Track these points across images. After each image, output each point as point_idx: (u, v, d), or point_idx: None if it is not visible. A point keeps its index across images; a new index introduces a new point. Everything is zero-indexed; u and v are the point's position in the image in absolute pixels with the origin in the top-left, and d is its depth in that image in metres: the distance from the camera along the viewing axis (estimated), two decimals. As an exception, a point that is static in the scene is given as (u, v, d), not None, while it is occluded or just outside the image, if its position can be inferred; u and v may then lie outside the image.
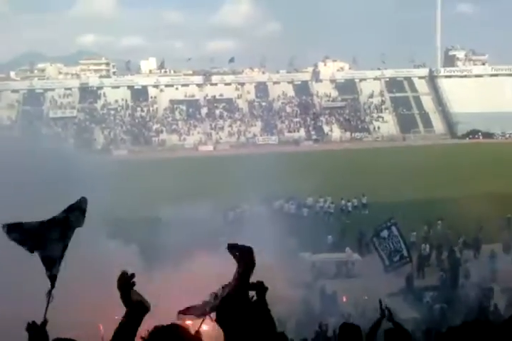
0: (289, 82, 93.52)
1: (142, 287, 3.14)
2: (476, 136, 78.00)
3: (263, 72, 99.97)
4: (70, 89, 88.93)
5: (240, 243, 3.20)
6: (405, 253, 20.71)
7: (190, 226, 21.08)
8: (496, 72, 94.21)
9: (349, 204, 34.81)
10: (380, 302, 7.19)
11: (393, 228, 21.02)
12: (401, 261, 20.89)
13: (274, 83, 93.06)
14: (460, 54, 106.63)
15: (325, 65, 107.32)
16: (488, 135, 77.56)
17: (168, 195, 38.27)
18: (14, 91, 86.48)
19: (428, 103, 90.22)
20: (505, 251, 25.68)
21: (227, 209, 33.50)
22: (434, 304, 19.40)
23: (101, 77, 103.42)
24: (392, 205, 33.53)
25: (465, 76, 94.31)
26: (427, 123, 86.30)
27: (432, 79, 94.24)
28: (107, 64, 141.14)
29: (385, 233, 21.04)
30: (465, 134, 79.62)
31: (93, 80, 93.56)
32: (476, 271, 22.80)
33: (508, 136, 77.95)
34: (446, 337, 2.12)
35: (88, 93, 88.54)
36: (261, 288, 3.97)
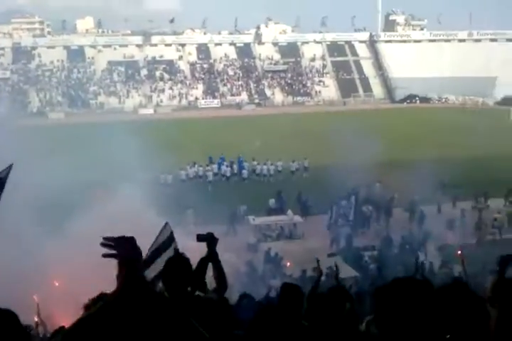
0: (230, 44, 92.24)
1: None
2: (414, 101, 79.78)
3: (204, 33, 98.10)
4: (2, 49, 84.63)
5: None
6: (351, 217, 21.56)
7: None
8: (434, 38, 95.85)
9: (293, 165, 35.40)
10: (318, 261, 7.36)
11: (353, 197, 22.00)
12: (346, 223, 21.78)
13: (216, 45, 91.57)
14: (400, 19, 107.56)
15: (267, 26, 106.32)
16: (425, 99, 79.48)
17: (105, 161, 37.47)
18: None
19: (368, 67, 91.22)
20: (439, 212, 26.83)
21: (167, 172, 33.56)
22: (371, 263, 20.12)
23: (35, 36, 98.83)
24: (331, 169, 34.22)
25: (404, 41, 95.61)
26: (367, 87, 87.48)
27: (372, 43, 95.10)
28: (41, 23, 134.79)
29: (344, 202, 22.13)
30: (403, 99, 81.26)
31: (26, 40, 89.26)
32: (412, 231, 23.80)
33: (443, 100, 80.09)
34: (378, 295, 2.15)
35: (21, 53, 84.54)
36: (212, 239, 4.01)
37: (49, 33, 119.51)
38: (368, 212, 25.35)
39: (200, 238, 4.07)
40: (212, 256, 3.98)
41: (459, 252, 11.41)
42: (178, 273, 3.59)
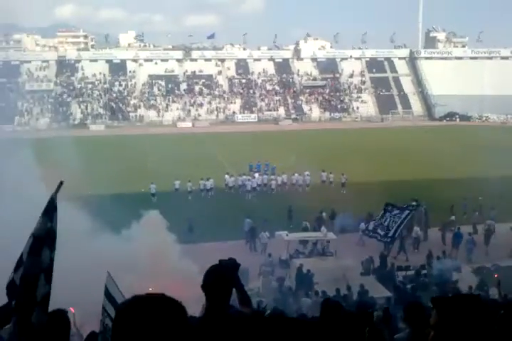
0: (269, 60, 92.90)
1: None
2: (454, 119, 78.67)
3: (244, 49, 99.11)
4: (47, 61, 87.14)
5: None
6: (391, 234, 21.02)
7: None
8: (475, 55, 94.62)
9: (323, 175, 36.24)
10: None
11: (406, 211, 21.40)
12: (382, 237, 21.24)
13: (255, 60, 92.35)
14: (441, 36, 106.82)
15: (306, 42, 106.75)
16: (465, 117, 78.27)
17: (146, 172, 38.41)
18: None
19: (407, 84, 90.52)
20: (475, 232, 26.18)
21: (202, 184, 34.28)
22: (406, 283, 19.77)
23: (79, 50, 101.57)
24: (366, 185, 34.04)
25: (445, 58, 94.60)
26: (406, 104, 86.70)
27: (412, 60, 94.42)
28: (85, 37, 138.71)
29: (395, 211, 21.41)
30: (442, 116, 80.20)
31: (71, 53, 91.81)
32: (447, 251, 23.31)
33: (484, 119, 78.74)
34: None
35: (65, 66, 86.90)
36: (234, 264, 4.01)
37: (92, 46, 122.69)
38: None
39: (222, 263, 4.08)
40: (235, 281, 3.96)
41: (496, 275, 11.18)
42: (219, 286, 3.62)
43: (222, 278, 3.64)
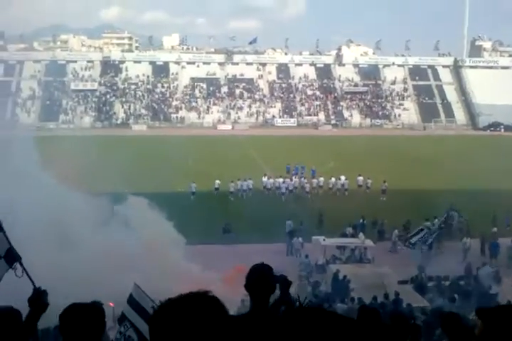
0: (311, 65, 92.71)
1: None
2: (498, 129, 77.03)
3: (285, 53, 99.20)
4: (92, 61, 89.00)
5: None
6: (429, 241, 21.02)
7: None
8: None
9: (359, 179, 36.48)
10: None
11: (440, 220, 21.51)
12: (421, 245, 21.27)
13: (296, 65, 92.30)
14: (487, 44, 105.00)
15: (348, 48, 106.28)
16: (510, 128, 76.47)
17: (186, 172, 38.86)
18: (36, 61, 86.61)
19: (451, 92, 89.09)
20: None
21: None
22: (444, 293, 19.43)
23: (123, 51, 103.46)
24: (409, 193, 33.63)
25: (491, 67, 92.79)
26: (449, 113, 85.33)
27: (456, 68, 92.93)
28: (130, 38, 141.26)
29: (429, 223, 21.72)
30: (486, 126, 78.64)
31: (115, 54, 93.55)
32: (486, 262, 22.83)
33: (530, 129, 76.81)
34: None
35: (110, 67, 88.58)
36: (285, 281, 3.98)
37: (137, 48, 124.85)
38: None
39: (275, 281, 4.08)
40: (285, 300, 3.93)
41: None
42: (261, 282, 3.63)
43: (266, 277, 3.64)
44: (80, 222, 18.37)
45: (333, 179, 36.77)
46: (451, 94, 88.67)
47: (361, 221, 27.61)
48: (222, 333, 1.68)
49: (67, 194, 20.08)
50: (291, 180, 36.73)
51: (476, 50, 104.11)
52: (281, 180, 36.36)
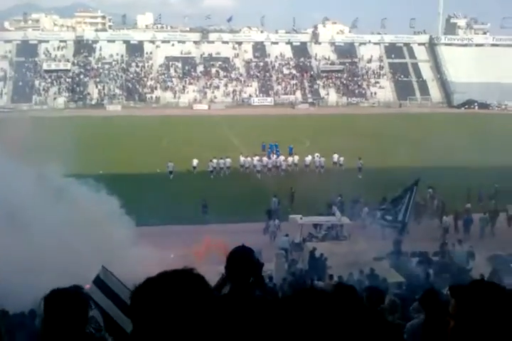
0: (287, 43, 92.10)
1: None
2: (472, 106, 77.74)
3: (261, 32, 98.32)
4: (64, 41, 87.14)
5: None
6: (400, 217, 20.95)
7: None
8: (496, 42, 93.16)
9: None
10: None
11: (407, 192, 21.31)
12: (392, 222, 21.25)
13: (273, 43, 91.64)
14: (461, 22, 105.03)
15: (324, 26, 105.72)
16: (484, 105, 77.30)
17: (161, 153, 38.64)
18: (7, 41, 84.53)
19: (426, 70, 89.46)
20: (492, 220, 26.00)
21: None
22: (419, 268, 19.72)
23: (97, 30, 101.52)
24: (385, 170, 33.88)
25: (465, 45, 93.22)
26: (424, 90, 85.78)
27: (431, 46, 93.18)
28: (103, 17, 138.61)
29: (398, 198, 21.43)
30: (461, 104, 79.29)
31: (88, 33, 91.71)
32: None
33: (504, 107, 77.70)
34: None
35: (83, 46, 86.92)
36: (257, 263, 3.91)
37: (110, 27, 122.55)
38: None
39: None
40: (258, 282, 3.89)
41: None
42: (241, 264, 3.60)
43: (248, 260, 3.61)
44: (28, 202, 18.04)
45: (309, 156, 37.14)
46: (427, 72, 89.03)
47: (339, 198, 27.76)
48: (207, 312, 1.63)
49: (16, 174, 19.58)
50: (269, 158, 37.03)
51: (451, 28, 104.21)
52: (256, 158, 36.82)
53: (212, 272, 3.75)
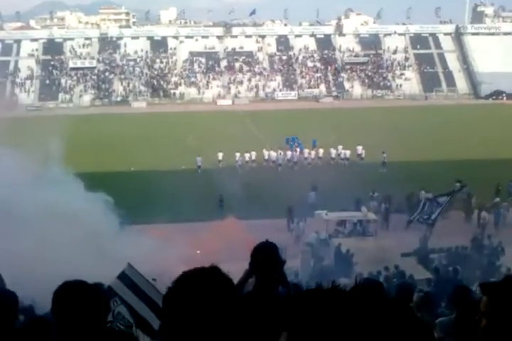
0: (311, 35, 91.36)
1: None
2: (500, 97, 76.32)
3: (285, 25, 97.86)
4: (89, 38, 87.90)
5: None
6: (433, 216, 21.11)
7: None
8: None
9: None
10: None
11: (444, 197, 21.62)
12: (425, 220, 21.34)
13: (296, 36, 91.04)
14: (489, 10, 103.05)
15: (348, 18, 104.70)
16: (512, 96, 75.81)
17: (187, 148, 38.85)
18: (34, 40, 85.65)
19: (453, 61, 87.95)
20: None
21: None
22: (447, 266, 19.49)
23: (121, 27, 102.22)
24: (409, 165, 33.52)
25: (493, 33, 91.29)
26: (451, 82, 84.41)
27: (458, 36, 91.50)
28: (127, 14, 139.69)
29: (435, 200, 21.80)
30: (488, 95, 77.89)
31: (113, 30, 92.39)
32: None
33: (532, 97, 76.11)
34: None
35: (107, 43, 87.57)
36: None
37: (134, 23, 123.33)
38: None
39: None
40: (281, 279, 3.89)
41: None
42: (266, 259, 3.62)
43: (273, 255, 3.63)
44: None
45: (334, 149, 37.21)
46: (453, 63, 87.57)
47: (371, 194, 27.41)
48: (234, 311, 1.70)
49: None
50: (292, 151, 37.25)
51: (478, 16, 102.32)
52: (279, 152, 37.25)
53: (236, 268, 3.75)
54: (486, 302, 1.96)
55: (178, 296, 1.70)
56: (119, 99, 77.63)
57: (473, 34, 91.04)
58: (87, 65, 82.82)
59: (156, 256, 16.43)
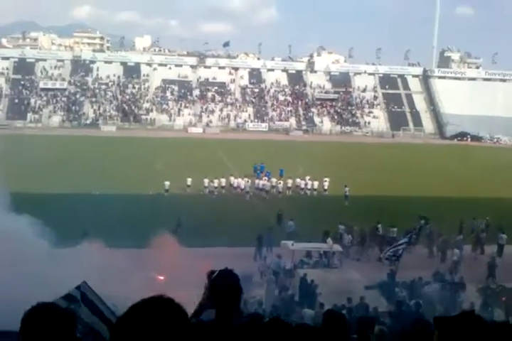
0: (283, 70, 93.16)
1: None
2: (465, 138, 78.51)
3: (258, 58, 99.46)
4: (62, 60, 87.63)
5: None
6: (399, 253, 21.47)
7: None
8: (489, 77, 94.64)
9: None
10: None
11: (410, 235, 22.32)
12: (391, 257, 21.71)
13: (268, 70, 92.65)
14: (455, 56, 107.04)
15: (320, 56, 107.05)
16: (476, 138, 78.11)
17: (155, 173, 38.56)
18: (5, 58, 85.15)
19: (420, 102, 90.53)
20: (474, 251, 26.17)
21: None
22: (409, 299, 19.59)
23: (94, 51, 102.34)
24: (373, 200, 33.91)
25: (458, 78, 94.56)
26: (417, 121, 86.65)
27: (425, 78, 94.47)
28: (101, 38, 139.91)
29: (407, 236, 22.54)
30: (454, 135, 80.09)
31: (86, 53, 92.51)
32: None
33: (495, 140, 78.57)
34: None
35: (80, 66, 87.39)
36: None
37: (108, 48, 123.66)
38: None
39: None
40: (236, 309, 3.78)
41: (503, 298, 11.06)
42: (230, 292, 3.47)
43: (234, 285, 3.44)
44: None
45: (301, 181, 37.84)
46: (420, 104, 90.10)
47: (342, 227, 27.46)
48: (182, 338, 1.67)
49: None
50: (260, 179, 37.53)
51: (445, 61, 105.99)
52: (246, 179, 37.25)
53: (189, 296, 3.65)
54: (437, 335, 2.02)
55: (127, 328, 1.67)
56: (88, 121, 77.07)
57: (440, 77, 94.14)
58: (58, 86, 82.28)
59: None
